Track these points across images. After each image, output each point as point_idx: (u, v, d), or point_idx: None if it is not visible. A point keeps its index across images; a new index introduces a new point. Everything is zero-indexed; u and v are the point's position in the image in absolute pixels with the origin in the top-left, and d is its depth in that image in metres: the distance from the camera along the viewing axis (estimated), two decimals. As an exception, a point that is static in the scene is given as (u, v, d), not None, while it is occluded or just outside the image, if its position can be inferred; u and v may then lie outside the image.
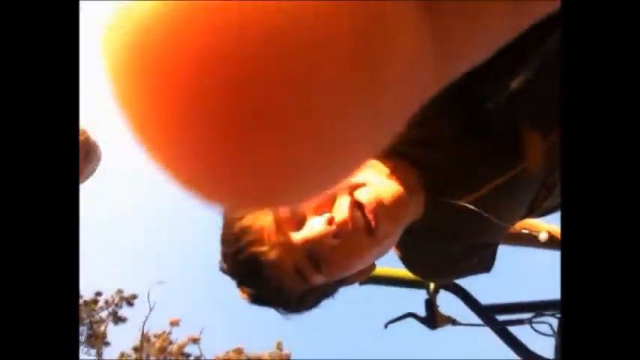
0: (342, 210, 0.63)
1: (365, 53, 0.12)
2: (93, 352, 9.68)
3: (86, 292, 10.33)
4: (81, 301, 10.11)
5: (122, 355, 9.64)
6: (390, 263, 0.96)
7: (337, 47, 0.11)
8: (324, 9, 0.11)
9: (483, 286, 0.98)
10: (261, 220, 0.66)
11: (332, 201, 0.64)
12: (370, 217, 0.63)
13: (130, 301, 10.44)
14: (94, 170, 1.71)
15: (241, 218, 0.67)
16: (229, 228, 0.69)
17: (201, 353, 9.57)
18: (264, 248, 0.65)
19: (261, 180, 0.13)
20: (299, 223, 0.65)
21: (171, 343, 9.65)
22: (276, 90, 0.11)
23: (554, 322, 0.97)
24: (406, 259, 0.82)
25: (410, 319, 0.96)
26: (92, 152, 1.61)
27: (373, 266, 0.75)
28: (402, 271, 1.00)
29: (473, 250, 0.82)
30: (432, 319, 0.96)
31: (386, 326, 0.96)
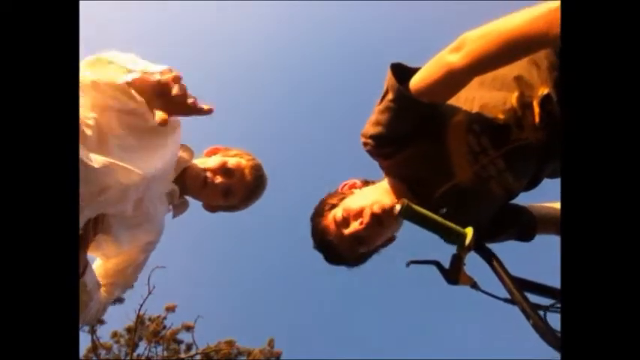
0: (366, 217, 1.29)
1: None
2: (87, 327, 9.68)
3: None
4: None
5: (114, 334, 9.63)
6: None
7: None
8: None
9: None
10: (328, 222, 1.36)
11: (361, 212, 1.30)
12: (380, 217, 1.28)
13: (128, 282, 10.45)
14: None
15: (319, 223, 1.38)
16: (314, 229, 1.41)
17: (193, 341, 9.55)
18: (331, 237, 1.35)
19: None
20: (347, 225, 1.32)
21: (164, 327, 9.63)
22: None
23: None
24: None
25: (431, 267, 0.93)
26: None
27: (393, 238, 1.41)
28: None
29: (504, 221, 1.30)
30: (456, 273, 0.94)
31: (408, 265, 0.93)
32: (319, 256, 1.42)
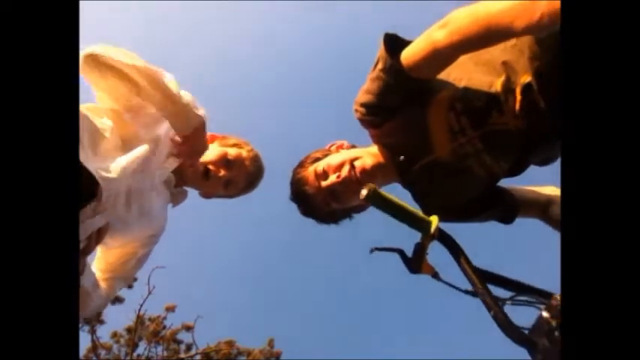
0: (344, 171, 1.31)
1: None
2: (87, 327, 9.70)
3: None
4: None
5: (114, 334, 9.64)
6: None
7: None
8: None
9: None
10: (307, 173, 1.38)
11: (341, 166, 1.33)
12: (358, 175, 1.30)
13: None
14: None
15: (299, 173, 1.41)
16: (293, 178, 1.42)
17: (193, 341, 9.55)
18: (307, 187, 1.38)
19: None
20: (325, 177, 1.34)
21: (164, 327, 9.64)
22: None
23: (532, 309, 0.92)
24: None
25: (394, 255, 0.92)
26: None
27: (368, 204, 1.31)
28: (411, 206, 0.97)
29: (479, 204, 1.32)
30: (417, 262, 0.92)
31: (372, 251, 0.92)
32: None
